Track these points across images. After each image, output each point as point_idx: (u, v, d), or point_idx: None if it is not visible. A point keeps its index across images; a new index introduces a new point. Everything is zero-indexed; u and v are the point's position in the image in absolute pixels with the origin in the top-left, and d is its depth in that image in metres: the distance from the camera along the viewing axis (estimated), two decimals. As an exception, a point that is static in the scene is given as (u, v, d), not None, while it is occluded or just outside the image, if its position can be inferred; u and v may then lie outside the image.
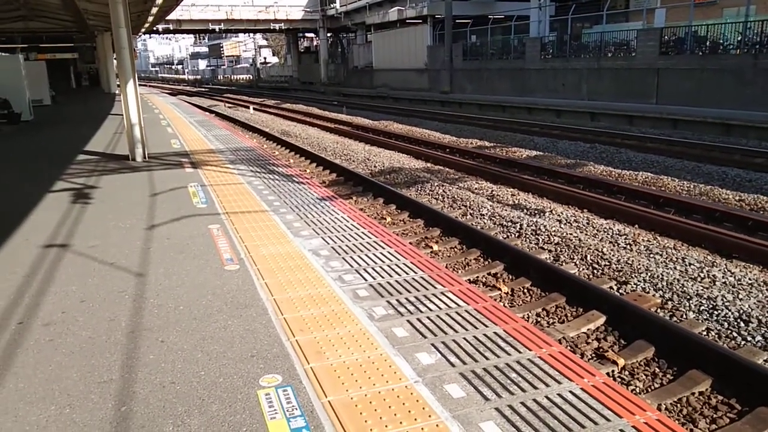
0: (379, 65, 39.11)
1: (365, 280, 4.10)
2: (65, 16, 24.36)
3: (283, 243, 4.93)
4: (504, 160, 11.80)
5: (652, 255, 5.94)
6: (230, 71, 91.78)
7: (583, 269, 5.70)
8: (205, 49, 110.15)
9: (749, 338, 4.23)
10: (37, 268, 4.45)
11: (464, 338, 3.21)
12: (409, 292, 3.88)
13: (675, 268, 5.57)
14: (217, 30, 48.59)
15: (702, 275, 5.37)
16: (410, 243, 5.56)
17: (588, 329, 4.47)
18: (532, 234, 6.68)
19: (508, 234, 6.83)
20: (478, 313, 3.53)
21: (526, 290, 5.28)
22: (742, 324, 4.41)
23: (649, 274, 5.34)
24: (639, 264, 5.56)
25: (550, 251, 6.18)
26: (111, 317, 3.52)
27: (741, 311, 4.55)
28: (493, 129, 17.73)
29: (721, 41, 18.51)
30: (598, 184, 9.22)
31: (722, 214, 7.22)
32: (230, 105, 31.28)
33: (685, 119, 16.33)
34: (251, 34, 71.70)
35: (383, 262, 4.49)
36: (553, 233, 6.57)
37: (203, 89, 53.94)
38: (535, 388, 2.71)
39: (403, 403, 2.59)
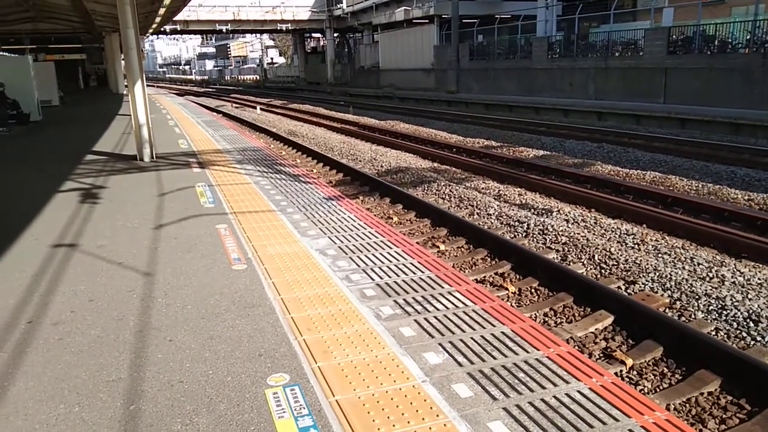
0: (386, 65, 39.11)
1: (372, 279, 4.10)
2: (74, 17, 24.49)
3: (291, 242, 4.93)
4: (511, 159, 11.78)
5: (660, 255, 5.91)
6: (237, 72, 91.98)
7: (590, 269, 5.68)
8: (212, 50, 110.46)
9: (759, 338, 4.20)
10: (46, 267, 4.48)
11: (472, 338, 3.20)
12: (416, 291, 3.88)
13: (683, 267, 5.54)
14: (224, 30, 48.70)
15: (711, 275, 5.34)
16: (417, 243, 5.56)
17: (596, 329, 4.45)
18: (539, 234, 6.66)
19: (515, 234, 6.81)
20: (486, 313, 3.52)
21: (533, 290, 5.26)
22: (751, 324, 4.38)
23: (657, 273, 5.31)
24: (647, 264, 5.54)
25: (557, 251, 6.16)
26: (119, 316, 3.54)
27: (750, 311, 4.52)
28: (500, 129, 17.70)
29: (730, 40, 18.40)
30: (606, 184, 9.19)
31: (731, 214, 7.18)
32: (237, 105, 31.37)
33: (694, 118, 16.24)
34: (258, 35, 71.89)
35: (390, 261, 4.49)
36: (560, 233, 6.55)
37: (210, 90, 54.11)
38: (543, 387, 2.71)
39: (411, 403, 2.59)
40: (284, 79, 64.27)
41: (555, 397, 2.63)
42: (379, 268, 4.34)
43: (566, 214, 7.40)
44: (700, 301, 4.76)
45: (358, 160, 12.21)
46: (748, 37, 17.76)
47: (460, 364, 2.92)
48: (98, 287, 4.02)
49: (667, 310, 4.75)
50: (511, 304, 4.84)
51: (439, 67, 32.27)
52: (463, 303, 3.68)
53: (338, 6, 45.41)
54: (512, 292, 5.20)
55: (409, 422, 2.45)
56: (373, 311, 3.56)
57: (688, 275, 5.32)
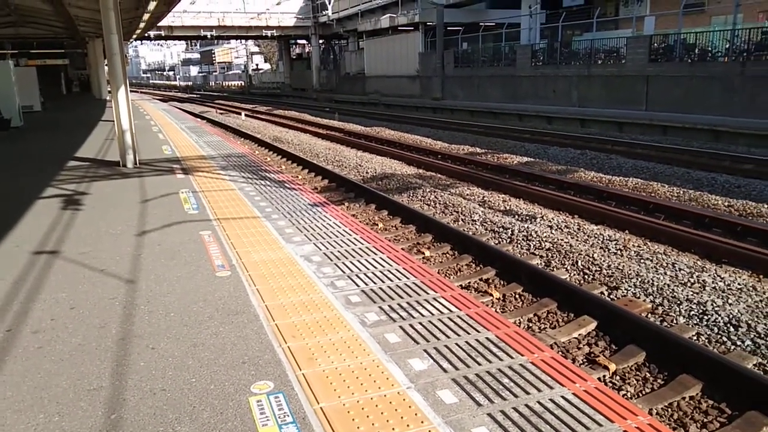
0: (371, 72, 39.20)
1: (357, 285, 4.10)
2: (56, 23, 24.27)
3: (275, 249, 4.91)
4: (495, 166, 11.84)
5: (642, 260, 5.97)
6: (222, 78, 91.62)
7: (574, 275, 5.72)
8: (196, 56, 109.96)
9: (739, 343, 4.26)
10: (26, 274, 4.42)
11: (456, 344, 3.21)
12: (402, 297, 3.88)
13: (665, 273, 5.60)
14: (209, 37, 48.54)
15: (692, 280, 5.40)
16: (402, 249, 5.56)
17: (579, 334, 4.48)
18: (523, 240, 6.70)
19: (500, 240, 6.85)
20: (471, 319, 3.53)
21: (517, 296, 5.29)
22: (731, 329, 4.44)
23: (639, 279, 5.37)
24: (629, 269, 5.59)
25: (541, 257, 6.20)
26: (101, 324, 3.50)
27: (730, 316, 4.58)
28: (484, 135, 17.80)
29: (710, 49, 18.69)
30: (589, 190, 9.27)
31: (711, 220, 7.28)
32: (222, 111, 31.23)
33: (675, 126, 16.46)
34: (243, 41, 71.70)
35: (375, 267, 4.49)
36: (544, 239, 6.60)
37: (195, 96, 53.82)
38: (528, 393, 2.72)
39: (396, 410, 2.59)
40: (269, 85, 64.12)
41: (539, 402, 2.64)
42: (365, 274, 4.34)
43: (550, 221, 7.45)
44: (681, 307, 4.82)
45: (344, 167, 12.21)
46: (727, 46, 18.06)
47: (444, 370, 2.92)
48: (80, 295, 3.98)
49: (649, 315, 4.80)
50: (495, 310, 4.85)
51: (424, 74, 32.41)
52: (448, 309, 3.69)
53: (323, 13, 45.45)
54: (497, 298, 5.22)
55: (393, 429, 2.45)
56: (358, 318, 3.55)
57: (670, 281, 5.38)
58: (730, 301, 4.90)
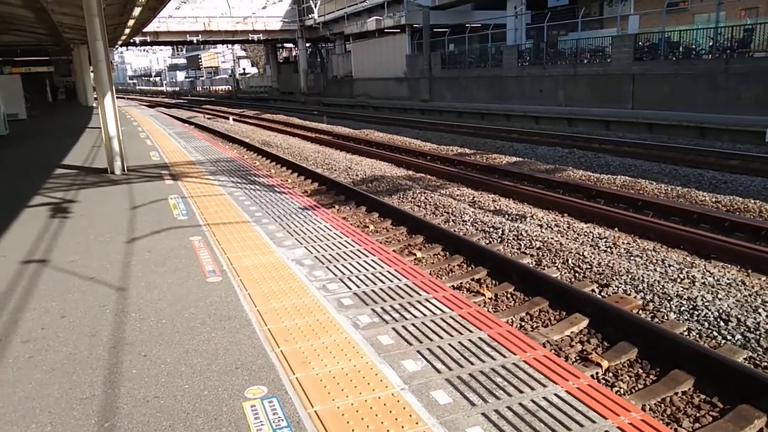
0: (359, 74, 39.22)
1: (349, 288, 4.10)
2: (40, 29, 24.08)
3: (266, 253, 4.90)
4: (484, 166, 11.88)
5: (632, 257, 6.01)
6: (209, 82, 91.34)
7: (565, 273, 5.75)
8: (183, 61, 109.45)
9: (729, 337, 4.30)
10: (15, 284, 4.38)
11: (449, 344, 3.21)
12: (394, 299, 3.88)
13: (655, 269, 5.64)
14: (195, 41, 48.30)
15: (682, 276, 5.44)
16: (394, 251, 5.57)
17: (571, 332, 4.50)
18: (513, 239, 6.72)
19: (491, 239, 6.87)
20: (463, 319, 3.54)
21: (509, 295, 5.31)
22: (721, 323, 4.48)
23: (630, 276, 5.40)
24: (620, 266, 5.63)
25: (532, 256, 6.23)
26: (92, 332, 3.47)
27: (720, 311, 4.62)
28: (473, 136, 17.86)
29: (694, 47, 18.87)
30: (578, 189, 9.32)
31: (699, 216, 7.34)
32: (210, 116, 31.11)
33: (661, 123, 16.61)
34: (230, 45, 71.49)
35: (367, 270, 4.49)
36: (534, 238, 6.62)
37: (182, 101, 53.58)
38: (521, 392, 2.73)
39: (390, 411, 2.59)
40: (257, 89, 63.98)
41: (533, 400, 2.65)
42: (356, 277, 4.33)
43: (540, 220, 7.49)
44: (672, 302, 4.85)
45: (333, 170, 12.20)
46: (710, 44, 18.25)
47: (438, 371, 2.93)
48: (70, 303, 3.94)
49: (640, 311, 4.83)
50: (487, 310, 4.87)
51: (411, 76, 32.47)
52: (441, 310, 3.70)
53: (310, 16, 45.44)
54: (489, 298, 5.23)
55: (388, 431, 2.45)
56: (351, 320, 3.55)
57: (660, 277, 5.42)
58: (719, 296, 4.94)
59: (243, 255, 4.85)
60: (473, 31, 28.80)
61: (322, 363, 3.02)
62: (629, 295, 5.10)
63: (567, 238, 6.71)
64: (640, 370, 3.96)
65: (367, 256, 4.82)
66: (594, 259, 5.89)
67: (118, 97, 16.50)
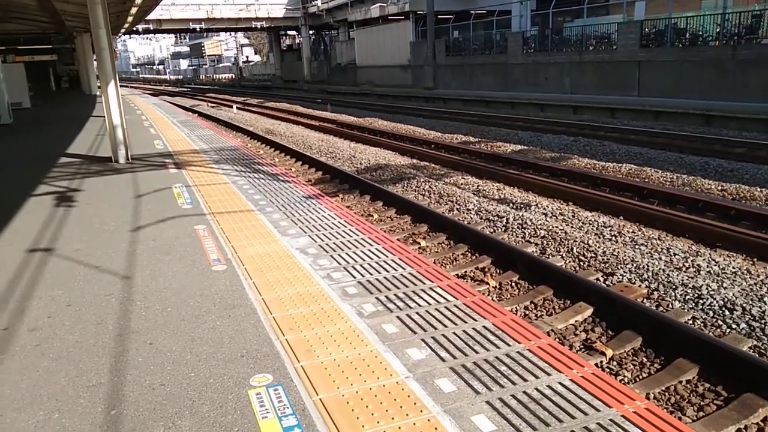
0: (363, 62, 39.05)
1: (354, 277, 4.10)
2: (42, 18, 24.01)
3: (270, 242, 4.91)
4: (489, 154, 11.85)
5: (637, 246, 6.00)
6: (212, 70, 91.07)
7: (569, 261, 5.74)
8: (186, 49, 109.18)
9: (734, 326, 4.29)
10: (21, 273, 4.40)
11: (454, 333, 3.22)
12: (398, 288, 3.89)
13: (660, 258, 5.63)
14: (198, 29, 48.20)
15: (687, 265, 5.43)
16: (398, 239, 5.56)
17: (576, 321, 4.50)
18: (518, 228, 6.71)
19: (495, 228, 6.86)
20: (467, 308, 3.54)
21: (513, 284, 5.30)
22: (726, 312, 4.47)
23: (634, 264, 5.39)
24: (624, 255, 5.62)
25: (536, 244, 6.22)
26: (98, 321, 3.49)
27: (726, 299, 4.61)
28: (477, 124, 17.79)
29: (701, 33, 18.71)
30: (583, 177, 9.29)
31: (705, 204, 7.31)
32: (213, 105, 31.06)
33: (667, 111, 16.50)
34: (233, 33, 71.22)
35: (371, 259, 4.49)
36: (539, 226, 6.61)
37: (185, 89, 53.49)
38: (525, 380, 2.73)
39: (395, 399, 2.60)
40: (260, 77, 63.81)
41: (537, 389, 2.66)
42: (361, 265, 4.34)
43: (544, 208, 7.47)
44: (677, 291, 4.84)
45: (337, 158, 12.19)
46: (717, 30, 18.08)
47: (442, 359, 2.93)
48: (76, 292, 3.96)
49: (645, 300, 4.82)
50: (492, 299, 4.87)
51: (415, 64, 32.31)
52: (445, 298, 3.70)
53: (313, 3, 45.19)
54: (493, 287, 5.23)
55: (393, 418, 2.46)
56: (356, 309, 3.56)
57: (665, 265, 5.41)
58: (724, 284, 4.93)
59: (247, 244, 4.85)
60: (478, 18, 28.62)
61: (327, 351, 3.03)
62: (634, 283, 5.09)
63: (572, 227, 6.70)
64: (645, 359, 3.96)
65: (371, 245, 4.83)
66: (599, 247, 5.87)
67: (121, 86, 16.46)
